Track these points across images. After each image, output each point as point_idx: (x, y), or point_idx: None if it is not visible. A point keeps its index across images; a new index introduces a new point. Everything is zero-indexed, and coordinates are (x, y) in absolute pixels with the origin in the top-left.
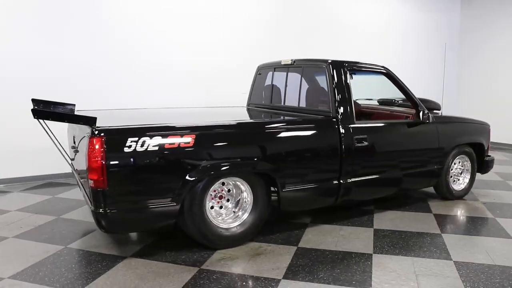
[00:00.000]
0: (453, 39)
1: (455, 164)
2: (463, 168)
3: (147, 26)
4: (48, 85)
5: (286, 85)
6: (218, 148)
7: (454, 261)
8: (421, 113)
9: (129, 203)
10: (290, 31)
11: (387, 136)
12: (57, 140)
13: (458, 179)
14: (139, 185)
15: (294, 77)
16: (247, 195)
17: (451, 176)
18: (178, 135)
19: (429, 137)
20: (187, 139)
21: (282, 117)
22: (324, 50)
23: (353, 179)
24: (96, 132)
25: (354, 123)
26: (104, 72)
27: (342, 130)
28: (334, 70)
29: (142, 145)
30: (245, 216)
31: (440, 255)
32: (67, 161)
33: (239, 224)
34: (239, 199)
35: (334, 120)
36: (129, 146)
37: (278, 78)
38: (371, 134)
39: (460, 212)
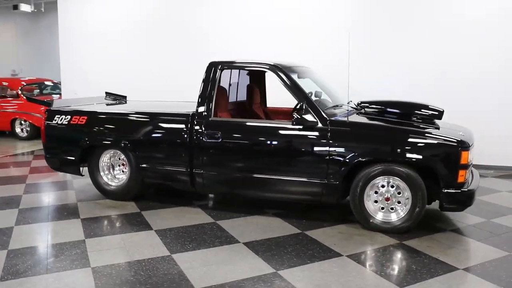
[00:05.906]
0: None
1: (384, 187)
2: (401, 195)
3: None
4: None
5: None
6: (99, 128)
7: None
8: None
9: (55, 153)
10: None
11: (247, 135)
12: None
13: (392, 208)
14: (59, 143)
15: None
16: (127, 165)
17: (375, 201)
18: (78, 116)
19: (310, 143)
20: (82, 120)
21: (152, 111)
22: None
23: (208, 171)
24: (45, 111)
25: (209, 119)
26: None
27: (193, 124)
28: (208, 69)
29: (61, 120)
30: (123, 180)
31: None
32: None
33: (119, 185)
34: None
35: (187, 114)
36: (55, 120)
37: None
38: (226, 131)
39: (320, 237)
